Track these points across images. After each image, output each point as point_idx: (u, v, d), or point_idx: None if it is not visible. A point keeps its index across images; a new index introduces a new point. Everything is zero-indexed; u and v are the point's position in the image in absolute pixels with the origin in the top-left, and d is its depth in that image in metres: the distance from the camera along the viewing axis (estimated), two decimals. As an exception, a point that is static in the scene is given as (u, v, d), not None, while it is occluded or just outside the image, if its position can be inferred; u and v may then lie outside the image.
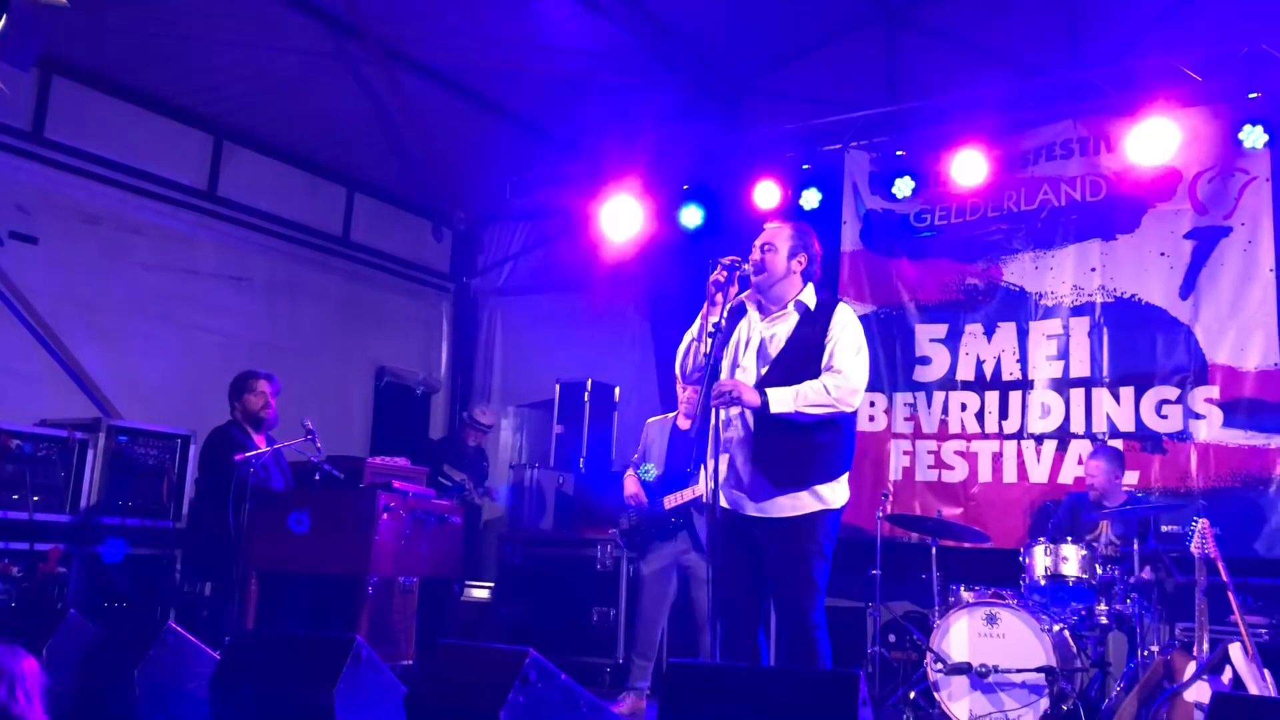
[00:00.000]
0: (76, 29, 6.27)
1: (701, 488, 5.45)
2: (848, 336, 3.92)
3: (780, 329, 4.00)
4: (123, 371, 7.03)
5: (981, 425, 6.91)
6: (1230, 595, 4.74)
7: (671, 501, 5.76)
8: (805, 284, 4.06)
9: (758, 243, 4.06)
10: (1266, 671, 4.62)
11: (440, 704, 3.34)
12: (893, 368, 7.27)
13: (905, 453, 7.15)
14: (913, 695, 5.65)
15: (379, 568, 5.48)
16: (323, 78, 7.43)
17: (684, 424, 5.90)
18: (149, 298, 7.24)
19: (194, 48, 6.87)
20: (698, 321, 3.97)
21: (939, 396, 7.09)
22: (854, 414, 4.01)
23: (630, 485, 5.97)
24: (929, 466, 7.06)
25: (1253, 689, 4.52)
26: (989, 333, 6.98)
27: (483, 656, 3.38)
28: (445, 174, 8.66)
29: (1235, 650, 4.67)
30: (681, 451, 5.80)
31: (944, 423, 7.05)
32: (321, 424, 7.16)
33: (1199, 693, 4.50)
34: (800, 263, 4.04)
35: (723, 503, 3.95)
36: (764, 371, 3.95)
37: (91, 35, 6.52)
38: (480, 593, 7.79)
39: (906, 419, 7.18)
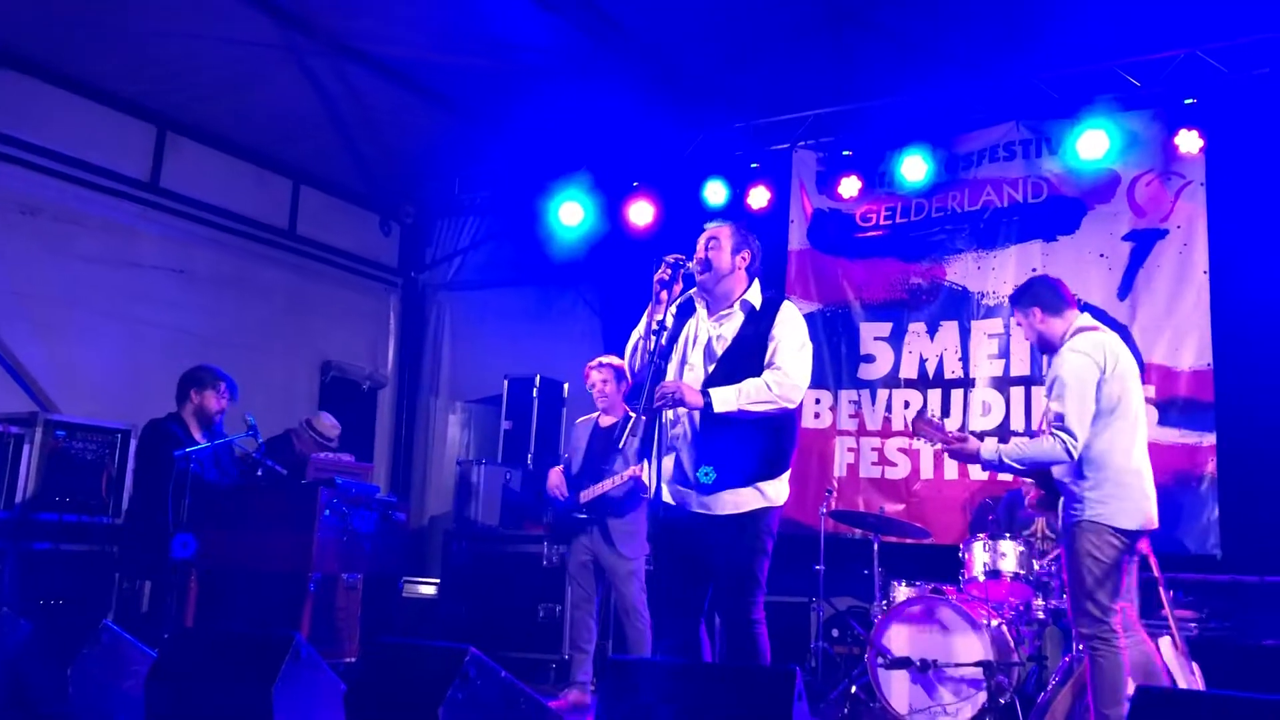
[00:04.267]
0: (15, 16, 6.15)
1: (613, 481, 5.59)
2: (790, 334, 3.96)
3: (727, 327, 4.03)
4: (62, 365, 6.90)
5: (924, 423, 7.00)
6: (1161, 590, 4.85)
7: (587, 495, 5.80)
8: (751, 281, 4.09)
9: (701, 241, 4.10)
10: (1195, 665, 4.73)
11: (379, 702, 3.33)
12: (838, 365, 7.35)
13: (849, 450, 7.24)
14: (854, 689, 5.73)
15: (321, 564, 5.44)
16: (269, 69, 7.34)
17: (605, 421, 5.94)
18: (89, 290, 7.11)
19: (136, 36, 6.76)
20: (644, 319, 3.99)
21: (883, 394, 7.18)
22: (796, 413, 4.05)
23: (553, 477, 6.03)
24: (872, 463, 7.14)
25: (1181, 682, 4.62)
26: (932, 331, 7.08)
27: (422, 654, 3.37)
28: (393, 168, 8.61)
29: (1165, 644, 4.77)
30: (600, 448, 5.84)
31: (887, 420, 7.14)
32: (266, 418, 7.10)
33: (1130, 686, 4.59)
34: (744, 259, 4.06)
35: (668, 499, 3.97)
36: (711, 369, 3.98)
37: (31, 22, 6.39)
38: (426, 589, 7.76)
39: (851, 416, 7.27)
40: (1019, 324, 4.52)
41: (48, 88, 6.94)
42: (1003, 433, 6.74)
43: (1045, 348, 4.43)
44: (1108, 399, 4.14)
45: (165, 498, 5.27)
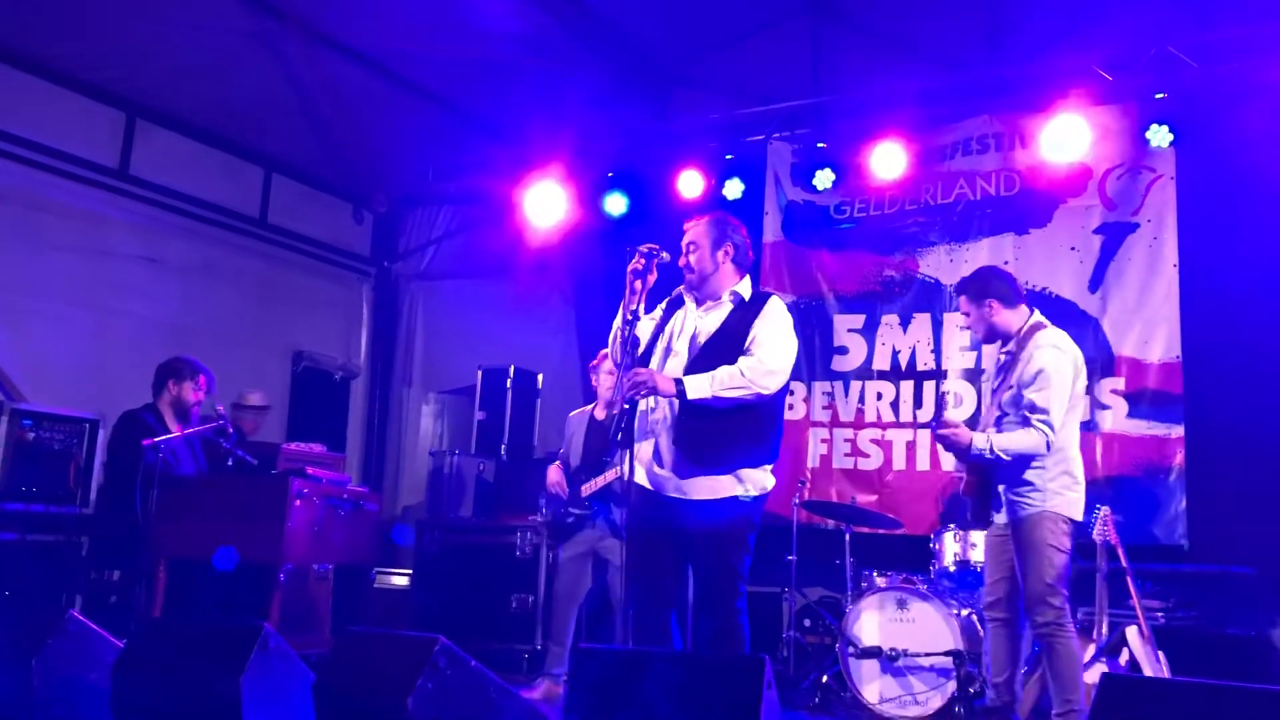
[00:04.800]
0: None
1: (615, 472, 5.58)
2: (771, 323, 3.95)
3: (713, 317, 4.04)
4: (29, 354, 6.81)
5: (896, 414, 7.04)
6: (1129, 580, 4.91)
7: (588, 489, 5.80)
8: (741, 275, 4.09)
9: (682, 244, 4.09)
10: (1161, 653, 4.80)
11: (349, 692, 3.32)
12: (811, 357, 7.36)
13: (823, 441, 7.26)
14: (825, 679, 5.76)
15: (292, 554, 5.41)
16: (240, 56, 7.26)
17: (600, 414, 5.93)
18: (58, 278, 7.03)
19: (105, 21, 6.67)
20: (621, 309, 4.00)
21: (856, 386, 7.21)
22: (779, 404, 4.05)
23: (552, 474, 6.00)
24: (845, 454, 7.17)
25: (1148, 670, 4.69)
26: (905, 324, 7.10)
27: (392, 644, 3.37)
28: (366, 156, 8.55)
29: (1132, 633, 4.84)
30: (597, 440, 5.83)
31: (860, 411, 7.17)
32: (231, 405, 7.05)
33: (1097, 674, 4.64)
34: (727, 253, 4.05)
35: (645, 484, 3.96)
36: (693, 358, 3.98)
37: (-3, 6, 6.32)
38: (399, 580, 7.73)
39: (824, 408, 7.29)
40: (966, 314, 4.57)
41: (15, 73, 6.84)
42: (972, 424, 6.76)
43: (992, 339, 4.52)
44: (1074, 395, 4.30)
45: (132, 488, 5.22)
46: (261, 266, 8.44)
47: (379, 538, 6.61)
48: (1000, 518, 4.35)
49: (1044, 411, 4.16)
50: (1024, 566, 4.23)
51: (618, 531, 5.69)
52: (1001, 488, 4.29)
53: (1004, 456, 4.19)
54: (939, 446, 4.52)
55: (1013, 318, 4.44)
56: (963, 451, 4.25)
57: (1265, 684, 2.36)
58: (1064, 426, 4.24)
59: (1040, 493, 4.22)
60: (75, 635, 3.78)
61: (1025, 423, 4.21)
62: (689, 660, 3.07)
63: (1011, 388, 4.29)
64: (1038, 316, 4.50)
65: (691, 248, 4.05)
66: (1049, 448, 4.16)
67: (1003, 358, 4.46)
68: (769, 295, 4.08)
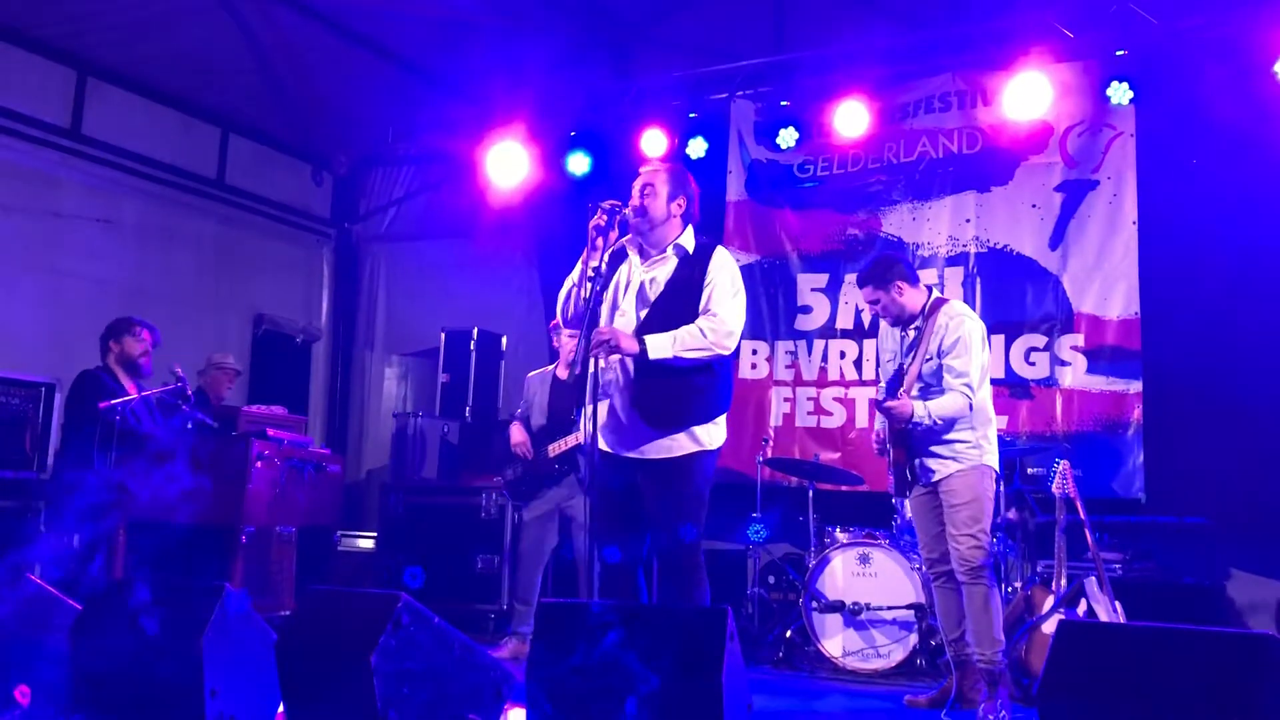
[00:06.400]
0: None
1: (584, 434, 5.55)
2: (724, 280, 3.94)
3: (660, 272, 3.99)
4: (-20, 317, 6.71)
5: (859, 372, 7.07)
6: (1087, 533, 4.98)
7: (556, 449, 5.80)
8: (685, 227, 4.05)
9: (636, 187, 4.05)
10: (1118, 604, 4.87)
11: (312, 650, 3.31)
12: (775, 316, 7.38)
13: (786, 399, 7.28)
14: (789, 634, 5.82)
15: (253, 517, 5.38)
16: (194, 13, 7.11)
17: (563, 373, 5.92)
18: (8, 241, 6.90)
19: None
20: (579, 266, 3.94)
21: (819, 345, 7.23)
22: (730, 357, 4.04)
23: (516, 434, 5.98)
24: (809, 413, 7.20)
25: (1104, 619, 4.76)
26: (868, 282, 7.10)
27: (355, 601, 3.35)
28: (325, 116, 8.42)
29: (1090, 584, 4.91)
30: (562, 400, 5.82)
31: (823, 370, 7.19)
32: (196, 372, 6.97)
33: (1056, 625, 4.72)
34: (680, 205, 4.02)
35: (603, 446, 3.95)
36: (643, 315, 3.95)
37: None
38: (364, 542, 7.71)
39: (788, 367, 7.31)
40: (876, 301, 4.67)
41: (-41, 29, 6.69)
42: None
43: (901, 320, 4.63)
44: (987, 359, 4.57)
45: (90, 448, 5.16)
46: (220, 228, 8.33)
47: (343, 500, 6.57)
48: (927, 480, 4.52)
49: (965, 375, 4.40)
50: (962, 515, 4.40)
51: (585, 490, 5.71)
52: (936, 449, 4.46)
53: (939, 421, 4.38)
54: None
55: (917, 296, 4.62)
56: (904, 420, 4.39)
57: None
58: (982, 387, 4.48)
59: (977, 449, 4.45)
60: (33, 597, 3.74)
61: (948, 388, 4.41)
62: (651, 613, 3.08)
63: (930, 359, 4.47)
64: (938, 292, 4.71)
65: (647, 190, 4.00)
66: (970, 408, 4.40)
67: (912, 334, 4.59)
68: (714, 246, 4.05)
